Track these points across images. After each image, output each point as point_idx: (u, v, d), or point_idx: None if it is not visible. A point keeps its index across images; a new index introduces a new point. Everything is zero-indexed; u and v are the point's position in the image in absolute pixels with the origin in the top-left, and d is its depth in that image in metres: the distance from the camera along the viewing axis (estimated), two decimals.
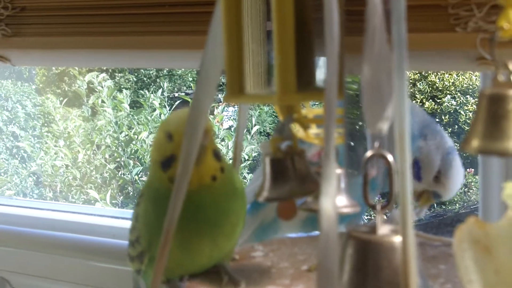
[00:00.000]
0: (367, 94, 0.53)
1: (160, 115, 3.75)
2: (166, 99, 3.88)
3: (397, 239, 0.54)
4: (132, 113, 3.88)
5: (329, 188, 0.50)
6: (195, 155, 0.60)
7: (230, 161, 0.76)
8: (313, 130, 0.67)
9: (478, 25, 0.75)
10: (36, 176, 4.14)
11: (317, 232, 0.97)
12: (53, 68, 4.72)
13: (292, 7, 0.54)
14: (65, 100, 4.16)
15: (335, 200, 0.51)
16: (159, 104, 3.77)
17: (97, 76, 3.61)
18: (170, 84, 5.25)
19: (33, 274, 1.27)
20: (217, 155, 0.69)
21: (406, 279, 0.49)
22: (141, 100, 3.91)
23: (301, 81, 0.56)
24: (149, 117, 3.77)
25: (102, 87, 3.59)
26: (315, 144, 0.69)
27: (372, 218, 0.92)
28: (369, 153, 0.57)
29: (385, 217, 0.58)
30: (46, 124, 4.31)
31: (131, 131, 3.69)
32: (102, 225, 1.32)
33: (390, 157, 0.56)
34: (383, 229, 0.56)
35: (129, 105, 3.78)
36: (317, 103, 0.72)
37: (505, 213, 0.53)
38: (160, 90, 3.84)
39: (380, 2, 0.52)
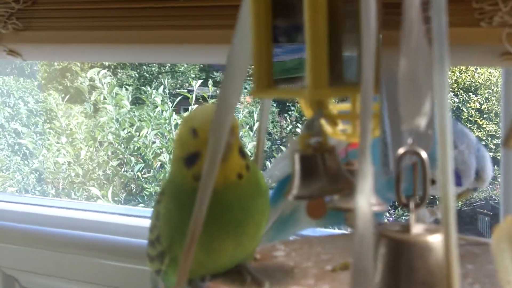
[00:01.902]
0: (404, 89, 0.51)
1: (162, 112, 3.74)
2: (168, 95, 3.86)
3: (432, 239, 0.52)
4: (133, 109, 3.87)
5: (365, 186, 0.48)
6: (222, 153, 0.58)
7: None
8: (339, 126, 0.65)
9: (504, 19, 0.74)
10: (38, 173, 4.14)
11: (335, 230, 0.96)
12: (55, 63, 4.72)
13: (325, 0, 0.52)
14: (67, 96, 4.15)
15: (371, 198, 0.49)
16: (161, 100, 3.75)
17: (98, 73, 3.60)
18: (173, 81, 5.25)
19: (42, 273, 1.26)
20: (242, 152, 0.67)
21: (448, 281, 0.47)
22: (143, 96, 3.90)
23: (331, 76, 0.54)
24: (151, 114, 3.76)
25: (103, 84, 3.58)
26: (341, 141, 0.67)
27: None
28: (401, 150, 0.55)
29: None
30: (48, 121, 4.30)
31: (132, 128, 3.68)
32: (110, 222, 1.31)
33: (423, 154, 0.54)
34: (417, 228, 0.54)
35: (131, 101, 3.77)
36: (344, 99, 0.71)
37: None
38: (162, 87, 3.83)
39: None
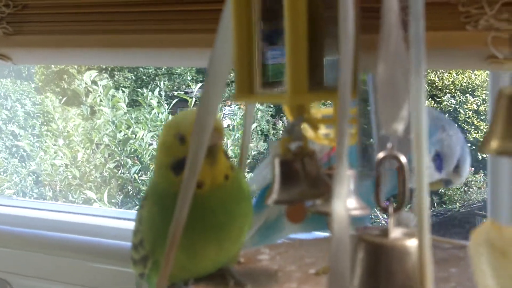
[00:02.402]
0: (382, 93, 0.51)
1: (158, 114, 3.74)
2: (164, 97, 3.87)
3: (410, 243, 0.53)
4: (130, 111, 3.87)
5: (341, 190, 0.48)
6: (203, 156, 0.59)
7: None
8: (322, 130, 0.66)
9: (489, 23, 0.74)
10: (35, 175, 4.13)
11: (321, 234, 0.96)
12: (52, 66, 4.72)
13: (305, 5, 0.53)
14: (64, 99, 4.15)
15: (347, 202, 0.49)
16: (157, 103, 3.75)
17: (95, 75, 3.60)
18: (170, 83, 5.24)
19: (34, 276, 1.25)
20: (226, 153, 0.67)
21: (422, 283, 0.48)
22: (140, 98, 3.90)
23: (312, 81, 0.55)
24: (147, 116, 3.76)
25: (98, 86, 3.58)
26: (325, 145, 0.67)
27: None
28: (381, 154, 0.55)
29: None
30: (45, 123, 4.30)
31: (129, 130, 3.68)
32: (103, 226, 1.31)
33: (403, 159, 0.54)
34: (396, 233, 0.54)
35: (128, 103, 3.77)
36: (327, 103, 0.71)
37: None
38: (157, 89, 3.82)
39: None
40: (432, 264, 0.72)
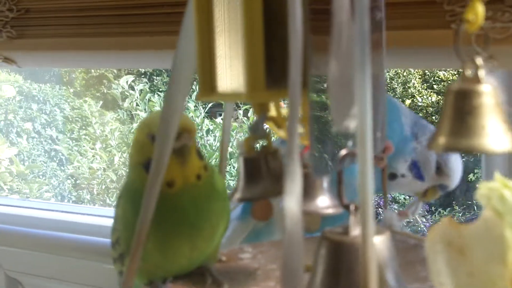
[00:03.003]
0: (334, 91, 0.51)
1: (193, 118, 3.76)
2: (200, 102, 3.87)
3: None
4: None
5: (293, 187, 0.49)
6: (168, 155, 0.59)
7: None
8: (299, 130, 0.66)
9: None
10: (74, 178, 4.19)
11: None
12: (92, 71, 4.77)
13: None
14: (102, 103, 4.20)
15: (300, 199, 0.50)
16: (194, 106, 3.77)
17: (132, 80, 3.64)
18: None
19: (45, 276, 1.28)
20: (199, 154, 0.68)
21: (366, 280, 0.48)
22: None
23: (271, 79, 0.55)
24: None
25: (135, 90, 3.61)
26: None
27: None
28: (343, 152, 0.55)
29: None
30: (83, 127, 4.35)
31: None
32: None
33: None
34: (357, 230, 0.54)
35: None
36: None
37: (481, 214, 0.52)
38: (195, 93, 3.83)
39: None
40: (413, 264, 0.72)
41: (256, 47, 0.53)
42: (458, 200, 3.75)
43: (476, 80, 0.49)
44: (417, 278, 0.70)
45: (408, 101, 4.69)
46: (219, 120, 3.80)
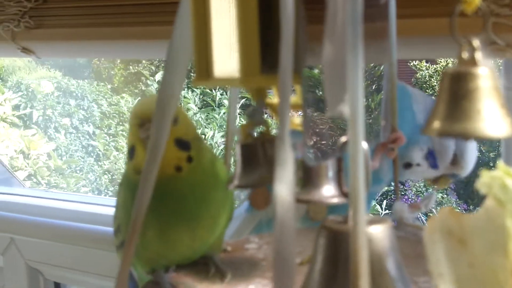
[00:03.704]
0: (328, 75, 0.50)
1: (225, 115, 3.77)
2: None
3: (371, 230, 0.51)
4: (200, 112, 3.91)
5: (284, 173, 0.48)
6: (164, 143, 0.58)
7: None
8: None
9: (490, 8, 0.71)
10: (111, 174, 4.23)
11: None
12: (130, 67, 4.81)
13: None
14: (137, 99, 4.24)
15: (292, 186, 0.48)
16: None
17: None
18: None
19: (66, 266, 1.28)
20: (182, 144, 0.66)
21: (356, 273, 0.46)
22: (209, 99, 3.94)
23: (266, 64, 0.54)
24: (217, 116, 3.79)
25: None
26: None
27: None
28: (343, 139, 0.54)
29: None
30: (120, 123, 4.40)
31: (199, 130, 3.72)
32: None
33: (365, 144, 0.53)
34: None
35: (198, 104, 3.81)
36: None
37: (483, 204, 0.50)
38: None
39: None
40: (419, 256, 0.70)
41: (251, 32, 0.53)
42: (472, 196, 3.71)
43: (473, 62, 0.47)
44: (427, 271, 0.68)
45: None
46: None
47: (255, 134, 0.60)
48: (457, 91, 0.47)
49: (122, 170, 4.00)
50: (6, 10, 1.02)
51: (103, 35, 0.99)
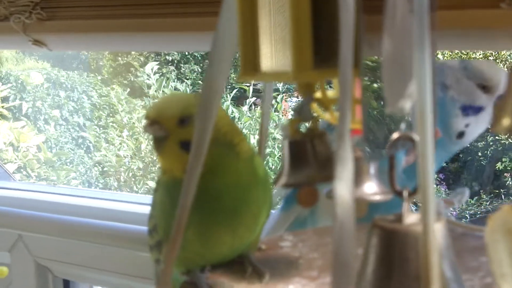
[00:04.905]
0: (388, 70, 0.48)
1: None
2: (225, 89, 3.86)
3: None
4: None
5: (344, 172, 0.46)
6: (208, 140, 0.56)
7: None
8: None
9: None
10: (101, 166, 4.20)
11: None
12: (119, 58, 4.78)
13: None
14: (129, 90, 4.21)
15: (352, 185, 0.47)
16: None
17: (157, 68, 3.64)
18: (235, 74, 5.25)
19: (75, 263, 1.26)
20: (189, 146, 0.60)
21: (427, 271, 0.45)
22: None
23: (318, 58, 0.52)
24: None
25: (164, 76, 3.61)
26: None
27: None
28: (395, 135, 0.52)
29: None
30: (111, 115, 4.36)
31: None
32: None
33: (417, 139, 0.51)
34: (411, 218, 0.51)
35: None
36: None
37: None
38: None
39: None
40: (463, 253, 0.69)
41: (304, 26, 0.51)
42: (485, 189, 3.70)
43: None
44: (466, 268, 0.67)
45: None
46: (245, 108, 3.79)
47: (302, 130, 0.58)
48: None
49: (113, 163, 3.98)
50: (17, 1, 1.00)
51: (116, 27, 0.97)
